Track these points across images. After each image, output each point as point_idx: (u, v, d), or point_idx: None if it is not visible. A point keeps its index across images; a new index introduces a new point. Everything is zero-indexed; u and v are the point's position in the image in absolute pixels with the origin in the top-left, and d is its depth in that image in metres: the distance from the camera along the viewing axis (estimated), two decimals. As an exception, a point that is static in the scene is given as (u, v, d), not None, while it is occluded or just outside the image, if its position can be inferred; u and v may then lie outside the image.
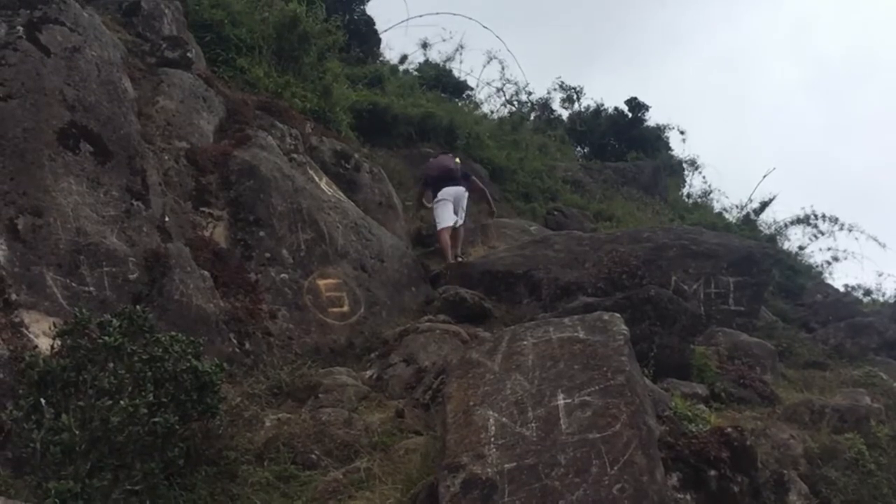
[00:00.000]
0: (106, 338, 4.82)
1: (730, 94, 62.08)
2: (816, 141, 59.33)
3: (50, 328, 5.19)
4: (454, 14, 19.41)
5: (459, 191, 10.40)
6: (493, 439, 4.48)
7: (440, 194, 10.33)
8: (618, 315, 5.36)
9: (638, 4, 64.42)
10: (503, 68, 22.10)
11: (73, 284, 6.03)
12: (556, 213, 14.26)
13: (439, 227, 10.22)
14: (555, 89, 23.11)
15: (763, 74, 65.03)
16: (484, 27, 24.82)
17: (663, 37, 63.84)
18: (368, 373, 7.15)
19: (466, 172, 11.07)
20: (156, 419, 4.59)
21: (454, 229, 10.24)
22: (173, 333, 5.23)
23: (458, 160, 11.07)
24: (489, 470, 4.25)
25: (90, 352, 4.78)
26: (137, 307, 5.53)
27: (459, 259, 9.99)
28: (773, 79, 65.54)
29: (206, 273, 7.01)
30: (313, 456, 5.36)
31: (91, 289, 6.11)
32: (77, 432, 4.37)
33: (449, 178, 10.46)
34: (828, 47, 68.29)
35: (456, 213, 10.27)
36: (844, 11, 69.69)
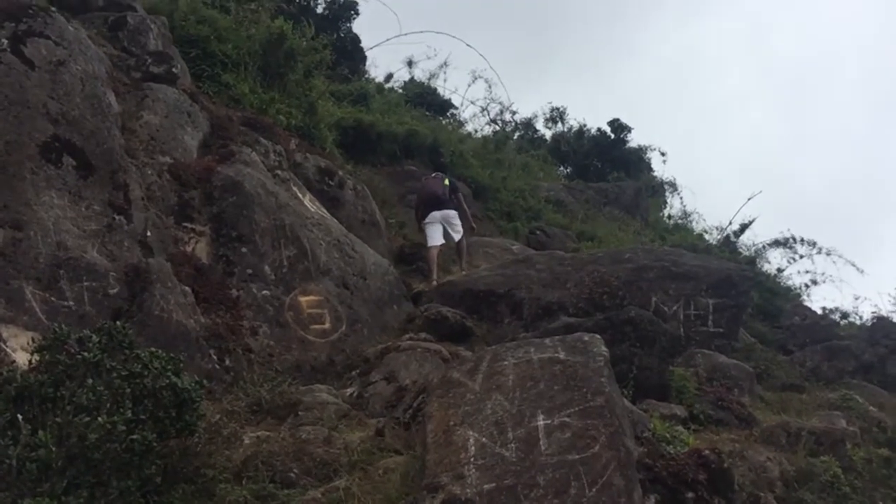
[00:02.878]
0: (85, 353, 4.78)
1: (683, 101, 62.61)
2: (775, 152, 59.96)
3: (28, 343, 5.17)
4: (438, 32, 19.60)
5: (446, 213, 10.86)
6: (472, 459, 4.50)
7: (428, 217, 10.86)
8: (598, 336, 5.40)
9: (581, 15, 64.78)
10: (490, 87, 22.25)
11: (53, 299, 6.00)
12: (538, 232, 14.33)
13: (428, 245, 10.73)
14: (536, 115, 23.29)
15: (717, 80, 65.59)
16: (468, 45, 25.00)
17: (613, 46, 64.31)
18: (349, 391, 7.13)
19: (455, 187, 11.39)
20: (134, 436, 4.55)
21: (457, 245, 10.91)
22: (153, 350, 5.20)
23: (447, 181, 11.33)
24: (468, 490, 4.26)
25: (68, 367, 4.74)
26: (117, 322, 5.49)
27: (464, 273, 10.32)
28: (726, 86, 66.16)
29: (187, 289, 6.99)
30: (292, 474, 5.33)
31: (70, 303, 6.08)
32: (54, 449, 4.33)
33: (436, 203, 10.91)
34: (783, 53, 69.13)
35: (447, 233, 10.78)
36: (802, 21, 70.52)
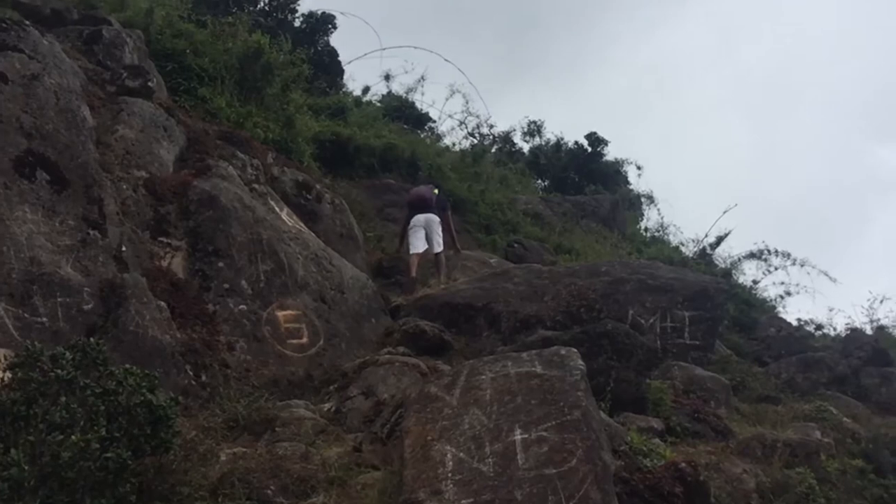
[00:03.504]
0: (58, 371, 4.73)
1: (656, 111, 63.18)
2: (747, 162, 60.59)
3: (0, 360, 5.09)
4: (416, 47, 19.64)
5: (430, 217, 10.97)
6: (450, 475, 4.50)
7: (412, 221, 10.98)
8: (574, 350, 5.44)
9: (551, 24, 65.26)
10: (467, 101, 22.31)
11: (26, 315, 5.93)
12: (516, 245, 14.35)
13: (410, 251, 10.81)
14: (514, 129, 23.43)
15: (688, 90, 66.27)
16: (446, 60, 25.01)
17: (584, 56, 64.78)
18: (327, 406, 7.10)
19: (444, 203, 11.51)
20: (108, 454, 4.50)
21: (436, 256, 10.81)
22: (128, 366, 5.15)
23: (436, 191, 11.55)
24: (446, 506, 4.26)
25: (41, 385, 4.68)
26: (91, 339, 5.43)
27: (442, 286, 10.18)
28: (697, 95, 66.85)
29: (162, 304, 6.93)
30: (269, 491, 5.29)
31: (44, 320, 6.01)
32: (26, 467, 4.27)
33: (422, 206, 11.04)
34: (752, 63, 70.04)
35: (429, 239, 10.78)
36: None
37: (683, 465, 5.21)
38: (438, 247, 10.96)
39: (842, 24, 73.53)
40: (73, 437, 4.40)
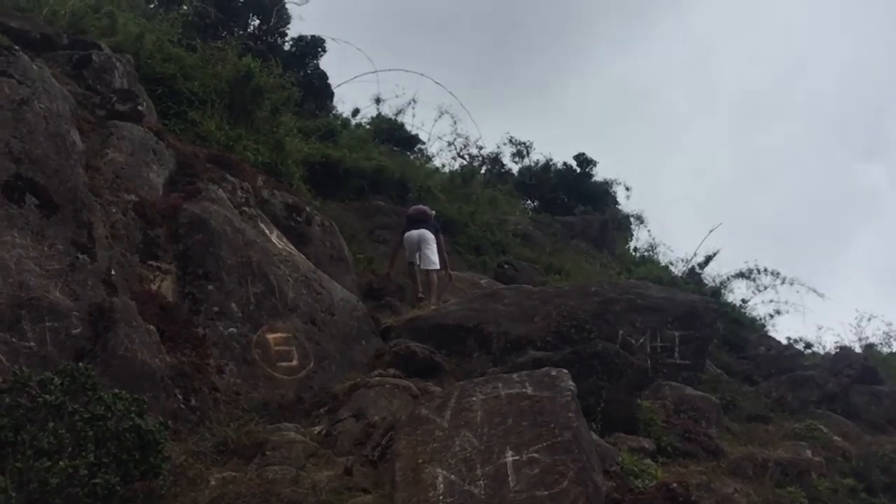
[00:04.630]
0: (46, 396, 4.72)
1: (636, 126, 63.38)
2: (729, 180, 60.87)
3: (-12, 386, 5.05)
4: (407, 71, 19.74)
5: (423, 233, 11.19)
6: (441, 497, 4.49)
7: (406, 237, 11.28)
8: (565, 371, 5.44)
9: (526, 39, 65.53)
10: (455, 122, 22.38)
11: (14, 340, 5.89)
12: (506, 266, 14.38)
13: (406, 261, 11.26)
14: (506, 143, 23.56)
15: (665, 106, 66.55)
16: (436, 83, 25.09)
17: (560, 71, 65.01)
18: (317, 428, 7.06)
19: (437, 228, 11.62)
20: (96, 480, 4.48)
21: (427, 275, 11.01)
22: (116, 391, 5.14)
23: (434, 213, 11.92)
24: (437, 529, 4.24)
25: (30, 411, 4.67)
26: (80, 364, 5.43)
27: (433, 308, 10.20)
28: (674, 111, 67.16)
29: (152, 328, 6.90)
30: (259, 516, 5.26)
31: (32, 344, 5.97)
32: (14, 494, 4.24)
33: (419, 220, 11.33)
34: (728, 78, 70.50)
35: (420, 255, 11.04)
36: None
37: (675, 485, 5.22)
38: (431, 265, 11.06)
39: (813, 39, 74.33)
40: (61, 462, 4.38)
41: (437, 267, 11.17)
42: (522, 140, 23.90)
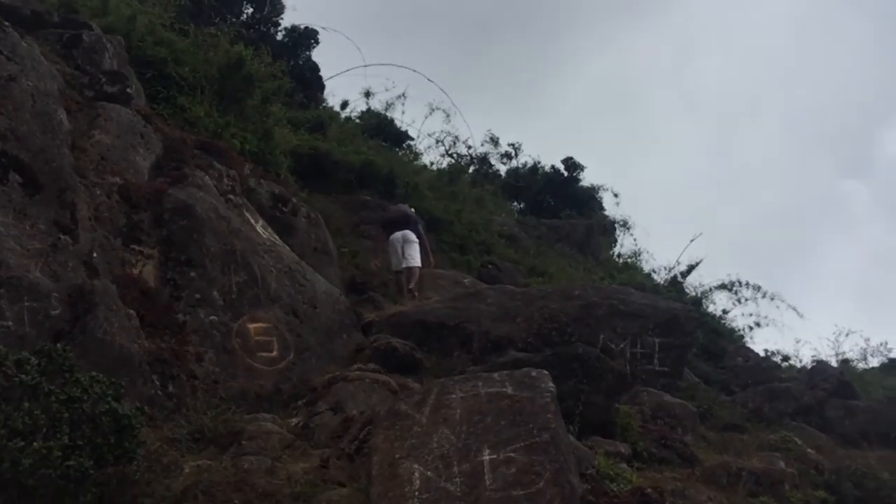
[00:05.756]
0: (22, 376, 4.67)
1: (619, 129, 63.40)
2: (708, 187, 61.00)
3: (-37, 363, 4.99)
4: (400, 66, 19.72)
5: (405, 234, 11.31)
6: (417, 493, 4.48)
7: (390, 238, 11.37)
8: (545, 372, 5.45)
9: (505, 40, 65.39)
10: (448, 117, 22.29)
11: (-9, 318, 5.82)
12: (490, 266, 14.40)
13: (393, 268, 11.36)
14: (488, 141, 23.55)
15: (645, 105, 66.57)
16: (429, 80, 24.97)
17: (542, 69, 64.95)
18: (294, 420, 7.04)
19: (416, 221, 11.82)
20: (70, 462, 4.43)
21: (408, 269, 11.15)
22: (93, 374, 5.09)
23: (413, 210, 12.05)
24: (412, 525, 4.23)
25: (5, 390, 4.62)
26: (58, 345, 5.37)
27: (413, 297, 10.64)
28: (655, 113, 67.24)
29: (132, 312, 6.86)
30: (233, 505, 5.23)
31: (10, 324, 5.91)
32: (-15, 474, 4.20)
33: (401, 222, 11.46)
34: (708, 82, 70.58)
35: (403, 254, 11.15)
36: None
37: (649, 490, 5.24)
38: (413, 262, 11.22)
39: (786, 46, 74.55)
40: (35, 443, 4.34)
41: (419, 265, 11.31)
42: (511, 142, 23.94)
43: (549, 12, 66.70)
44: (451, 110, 21.14)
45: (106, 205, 7.66)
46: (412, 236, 11.32)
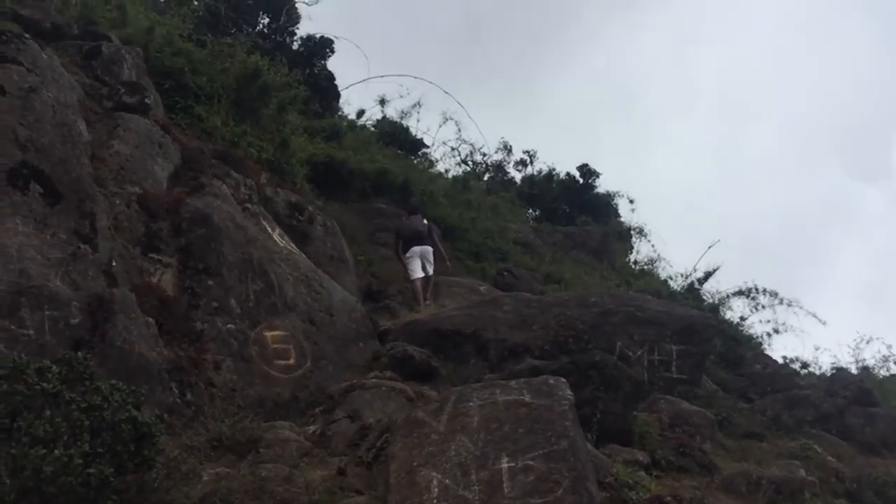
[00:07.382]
0: (44, 384, 4.71)
1: (615, 125, 62.62)
2: (710, 179, 60.23)
3: (-15, 372, 5.04)
4: (415, 77, 19.85)
5: (425, 249, 11.61)
6: (435, 501, 4.48)
7: (409, 252, 11.57)
8: (563, 380, 5.43)
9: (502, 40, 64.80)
10: (459, 129, 22.40)
11: (12, 327, 5.89)
12: (505, 273, 14.38)
13: (412, 277, 11.46)
14: (501, 148, 23.57)
15: (647, 103, 65.79)
16: (445, 92, 24.98)
17: (541, 69, 64.29)
18: (312, 428, 7.06)
19: (430, 228, 12.03)
20: (90, 470, 4.46)
21: (426, 279, 11.49)
22: (113, 382, 5.13)
23: (425, 220, 12.14)
24: (430, 533, 4.23)
25: (26, 398, 4.65)
26: (78, 353, 5.42)
27: (428, 303, 10.92)
28: (656, 108, 66.42)
29: (150, 320, 6.90)
30: (251, 513, 5.25)
31: (31, 332, 5.97)
32: (7, 481, 4.23)
33: (417, 239, 11.66)
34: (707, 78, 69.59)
35: (424, 267, 11.47)
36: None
37: (668, 498, 5.21)
38: (431, 272, 11.55)
39: (780, 45, 73.70)
40: (56, 451, 4.37)
41: (433, 273, 11.67)
42: (526, 149, 23.94)
43: (546, 12, 66.41)
44: (465, 122, 21.23)
45: (125, 214, 7.73)
46: (431, 254, 11.59)
